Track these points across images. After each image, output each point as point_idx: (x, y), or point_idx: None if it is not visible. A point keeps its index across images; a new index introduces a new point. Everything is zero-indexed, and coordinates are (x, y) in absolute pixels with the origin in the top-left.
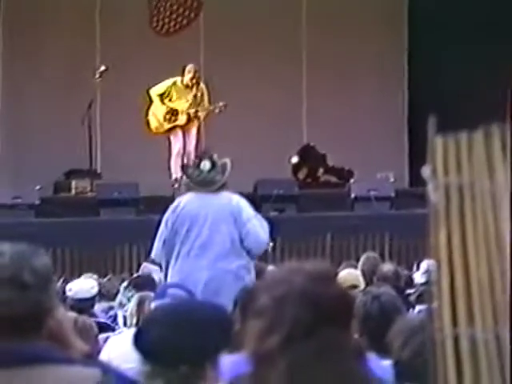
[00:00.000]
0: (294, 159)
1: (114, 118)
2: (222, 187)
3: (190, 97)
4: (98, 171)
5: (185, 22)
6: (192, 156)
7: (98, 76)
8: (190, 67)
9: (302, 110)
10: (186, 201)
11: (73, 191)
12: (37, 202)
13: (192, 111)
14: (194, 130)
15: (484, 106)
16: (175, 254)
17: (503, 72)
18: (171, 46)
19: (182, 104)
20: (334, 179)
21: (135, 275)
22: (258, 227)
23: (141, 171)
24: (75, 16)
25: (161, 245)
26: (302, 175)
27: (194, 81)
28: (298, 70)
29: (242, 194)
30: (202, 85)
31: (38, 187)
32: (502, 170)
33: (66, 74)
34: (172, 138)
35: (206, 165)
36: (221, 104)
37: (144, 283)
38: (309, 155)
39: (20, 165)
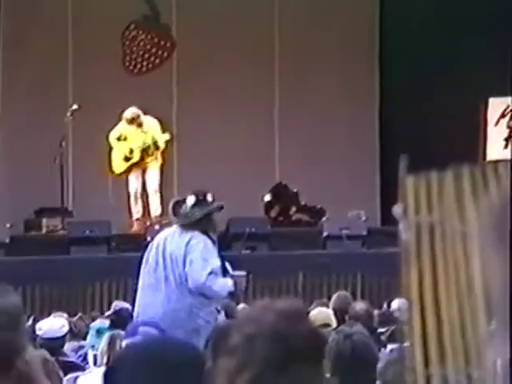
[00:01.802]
0: (267, 197)
1: (85, 157)
2: (196, 225)
3: (140, 134)
4: (70, 209)
5: (157, 61)
6: (157, 194)
7: (70, 114)
8: (126, 113)
9: (275, 149)
10: (160, 235)
11: (43, 229)
12: (7, 241)
13: (145, 147)
14: (154, 168)
15: (455, 145)
16: (139, 285)
17: (473, 112)
18: (144, 85)
19: (135, 142)
20: (306, 218)
21: (110, 313)
22: (196, 270)
23: (113, 209)
24: (48, 53)
25: None
26: (274, 213)
27: (135, 122)
28: (270, 109)
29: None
30: (149, 122)
31: (8, 225)
32: (471, 211)
33: (38, 112)
34: (130, 178)
35: (190, 199)
36: (166, 136)
37: (119, 321)
38: (281, 194)
39: None
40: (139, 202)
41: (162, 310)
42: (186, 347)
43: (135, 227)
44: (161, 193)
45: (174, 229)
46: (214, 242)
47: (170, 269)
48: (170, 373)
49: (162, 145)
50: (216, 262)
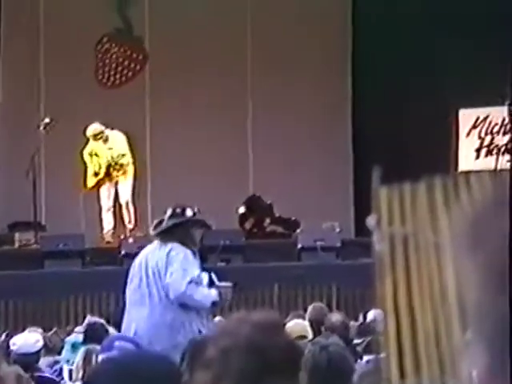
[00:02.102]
0: (241, 209)
1: (58, 170)
2: (173, 237)
3: (105, 149)
4: (43, 223)
5: (130, 74)
6: (130, 206)
7: (42, 128)
8: (88, 129)
9: (249, 160)
10: (142, 251)
11: (16, 244)
12: None
13: (111, 162)
14: (125, 181)
15: (428, 153)
16: (126, 303)
17: (446, 120)
18: (117, 97)
19: (103, 157)
20: (280, 229)
21: (83, 327)
22: (175, 279)
23: (86, 223)
24: (20, 65)
25: None
26: (248, 225)
27: (98, 138)
28: (243, 120)
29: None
30: (114, 134)
31: None
32: (444, 221)
33: (10, 126)
34: (101, 191)
35: (168, 212)
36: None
37: (94, 334)
38: (255, 205)
39: None
40: (110, 214)
41: (145, 325)
42: (162, 361)
43: (107, 239)
44: (134, 205)
45: (155, 244)
46: (194, 254)
47: (153, 283)
48: None
49: (127, 160)
50: (196, 272)
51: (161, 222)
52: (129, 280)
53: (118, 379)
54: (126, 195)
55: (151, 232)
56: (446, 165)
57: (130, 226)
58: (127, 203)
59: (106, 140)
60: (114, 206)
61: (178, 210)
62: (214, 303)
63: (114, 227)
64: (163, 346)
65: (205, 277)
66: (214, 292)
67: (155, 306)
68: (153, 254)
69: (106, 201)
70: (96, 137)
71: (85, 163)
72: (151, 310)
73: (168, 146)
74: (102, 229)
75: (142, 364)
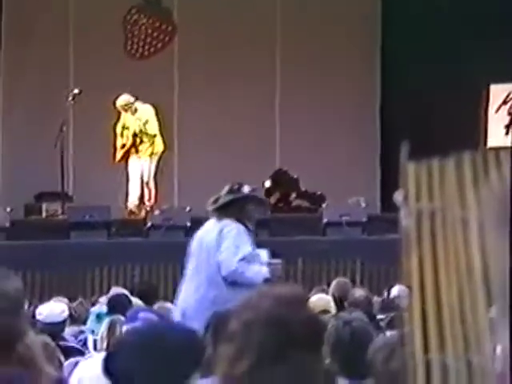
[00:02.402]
0: (267, 183)
1: (86, 142)
2: (228, 213)
3: (134, 120)
4: (70, 194)
5: (159, 45)
6: (151, 184)
7: (71, 99)
8: (119, 100)
9: (275, 135)
10: (201, 228)
11: (43, 214)
12: (7, 225)
13: (137, 133)
14: (150, 156)
15: (456, 132)
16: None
17: (475, 99)
18: (145, 69)
19: (131, 128)
20: (306, 204)
21: (107, 298)
22: (227, 257)
23: (113, 194)
24: (49, 38)
25: None
26: (274, 199)
27: (129, 109)
28: (271, 95)
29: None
30: (143, 106)
31: (8, 209)
32: (472, 198)
33: (39, 97)
34: (131, 163)
35: (224, 189)
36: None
37: (117, 305)
38: (281, 179)
39: None
40: (137, 186)
41: (190, 300)
42: (186, 332)
43: (132, 210)
44: (156, 182)
45: (212, 221)
46: (249, 230)
47: (204, 259)
48: (168, 357)
49: (154, 131)
50: (248, 249)
51: (218, 200)
52: (188, 253)
53: (141, 350)
54: (148, 172)
55: (208, 208)
56: (474, 141)
57: (147, 203)
58: (148, 181)
59: (134, 111)
60: (141, 179)
61: (235, 186)
62: (265, 280)
63: (140, 199)
64: (201, 323)
65: (263, 253)
66: (265, 269)
67: (202, 283)
68: (207, 230)
69: (133, 172)
70: (125, 107)
71: (115, 136)
72: (197, 285)
73: (195, 119)
74: (126, 200)
75: (166, 335)
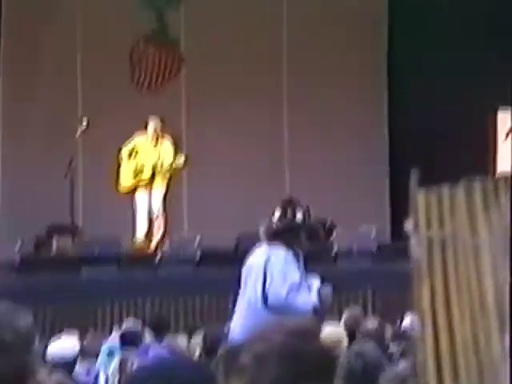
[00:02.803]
0: (277, 212)
1: (95, 173)
2: (278, 238)
3: (157, 151)
4: (80, 225)
5: (166, 76)
6: (161, 216)
7: (79, 132)
8: (151, 123)
9: (284, 164)
10: (253, 252)
11: (53, 249)
12: (17, 260)
13: (156, 165)
14: (160, 188)
15: (466, 157)
16: None
17: (483, 124)
18: (152, 101)
19: (148, 159)
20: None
21: (120, 332)
22: (275, 285)
23: (123, 225)
24: (57, 69)
25: None
26: None
27: (156, 136)
28: (279, 125)
29: (224, 248)
30: (165, 140)
31: (18, 243)
32: (483, 226)
33: (47, 130)
34: (138, 195)
35: (276, 212)
36: (181, 159)
37: (129, 341)
38: (291, 208)
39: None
40: (145, 219)
41: (234, 327)
42: (197, 369)
43: (140, 245)
44: (165, 213)
45: (263, 246)
46: (298, 257)
47: (251, 286)
48: None
49: (170, 166)
50: (296, 276)
51: (270, 225)
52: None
53: None
54: (158, 202)
55: (260, 233)
56: (483, 167)
57: (158, 237)
58: (158, 215)
59: (157, 139)
60: (148, 213)
61: (289, 212)
62: (314, 309)
63: (147, 234)
64: None
65: (314, 281)
66: (313, 296)
67: (244, 309)
68: (257, 255)
69: (142, 205)
70: (156, 132)
71: (119, 163)
72: (240, 312)
73: (203, 148)
74: (134, 234)
75: (177, 372)
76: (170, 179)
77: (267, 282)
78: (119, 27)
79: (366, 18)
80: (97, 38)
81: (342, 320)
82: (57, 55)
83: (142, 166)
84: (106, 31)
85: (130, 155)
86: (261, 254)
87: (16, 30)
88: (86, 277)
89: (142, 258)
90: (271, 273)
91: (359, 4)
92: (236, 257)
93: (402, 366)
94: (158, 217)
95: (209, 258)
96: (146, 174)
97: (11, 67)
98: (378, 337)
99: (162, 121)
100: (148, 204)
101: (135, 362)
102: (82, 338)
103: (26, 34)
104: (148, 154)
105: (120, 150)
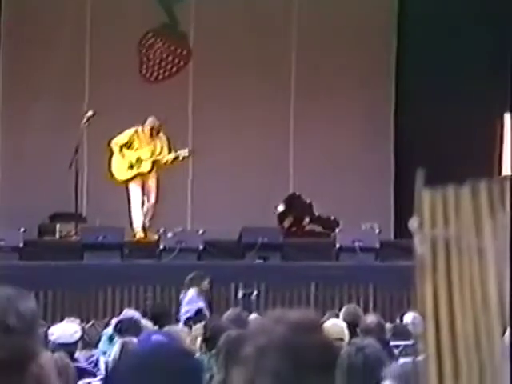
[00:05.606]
0: (280, 208)
1: (100, 163)
2: None
3: (153, 145)
4: (83, 215)
5: (174, 69)
6: (151, 207)
7: (85, 121)
8: (150, 120)
9: (289, 159)
10: None
11: (57, 235)
12: (20, 245)
13: (156, 159)
14: (152, 181)
15: (471, 158)
16: None
17: (489, 125)
18: (160, 92)
19: (144, 152)
20: (319, 229)
21: (118, 320)
22: None
23: (126, 215)
24: (65, 59)
25: None
26: (287, 224)
27: (154, 132)
28: (285, 119)
29: (226, 241)
30: (161, 135)
31: (22, 230)
32: (488, 227)
33: (53, 118)
34: (133, 186)
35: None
36: (186, 151)
37: (127, 327)
38: (295, 204)
39: (4, 207)
40: (140, 210)
41: None
42: (185, 357)
43: (139, 235)
44: (154, 206)
45: None
46: None
47: None
48: (166, 381)
49: (165, 160)
50: None
51: None
52: None
53: (137, 372)
54: (149, 196)
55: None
56: (489, 169)
57: (147, 222)
58: (153, 202)
59: (158, 134)
60: (142, 202)
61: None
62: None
63: (143, 227)
64: None
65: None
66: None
67: None
68: None
69: (137, 196)
70: (152, 128)
71: (111, 154)
72: None
73: (209, 142)
74: (131, 223)
75: (163, 358)
76: (158, 176)
77: None
78: (128, 19)
79: (375, 18)
80: (106, 29)
81: (341, 315)
82: (66, 45)
83: (139, 158)
84: (115, 23)
85: (122, 148)
86: None
87: (21, 14)
88: (89, 263)
89: (145, 246)
90: None
91: (370, 4)
92: (238, 249)
93: (403, 363)
94: (153, 203)
95: (212, 248)
96: (146, 166)
97: (17, 54)
98: (377, 332)
99: (161, 123)
100: (141, 194)
101: (135, 349)
102: (83, 324)
103: (33, 27)
104: (147, 146)
105: (109, 142)
